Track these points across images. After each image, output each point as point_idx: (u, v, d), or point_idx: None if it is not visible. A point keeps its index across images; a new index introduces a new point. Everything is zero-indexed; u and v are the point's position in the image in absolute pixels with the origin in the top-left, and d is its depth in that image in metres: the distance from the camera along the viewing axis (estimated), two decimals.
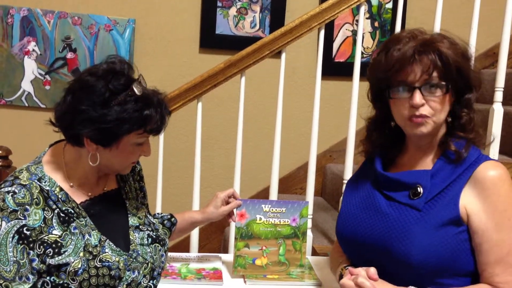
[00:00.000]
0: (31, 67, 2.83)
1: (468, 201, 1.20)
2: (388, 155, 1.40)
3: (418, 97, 1.24)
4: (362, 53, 2.99)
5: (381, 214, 1.29)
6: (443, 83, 1.24)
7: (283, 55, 2.11)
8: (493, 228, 1.17)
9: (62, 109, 1.22)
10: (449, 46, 1.24)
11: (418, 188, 1.25)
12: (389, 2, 3.08)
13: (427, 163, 1.30)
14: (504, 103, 2.16)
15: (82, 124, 1.18)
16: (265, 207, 1.63)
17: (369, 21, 3.08)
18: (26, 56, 2.82)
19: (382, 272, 1.22)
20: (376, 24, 3.09)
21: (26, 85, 2.84)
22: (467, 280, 1.23)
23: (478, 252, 1.19)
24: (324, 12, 2.08)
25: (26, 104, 2.85)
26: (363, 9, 2.13)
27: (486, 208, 1.18)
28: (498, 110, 2.12)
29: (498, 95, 2.14)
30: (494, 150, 2.12)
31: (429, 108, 1.25)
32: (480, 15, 2.12)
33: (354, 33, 3.06)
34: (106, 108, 1.17)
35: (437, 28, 2.07)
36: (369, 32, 3.09)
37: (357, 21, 3.05)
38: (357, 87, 2.14)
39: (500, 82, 2.13)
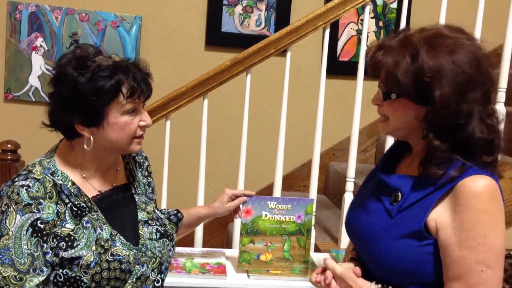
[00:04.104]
0: (38, 63, 2.86)
1: (441, 214, 1.15)
2: (400, 155, 1.38)
3: (374, 96, 1.24)
4: (367, 53, 3.01)
5: (365, 214, 1.30)
6: (385, 89, 1.20)
7: (288, 54, 2.13)
8: (456, 244, 1.12)
9: (49, 110, 1.27)
10: (400, 53, 1.15)
11: (398, 194, 1.22)
12: (394, 2, 3.10)
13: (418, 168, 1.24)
14: (506, 103, 2.18)
15: (67, 113, 1.22)
16: (270, 203, 1.65)
17: (373, 20, 3.09)
18: (33, 52, 2.85)
19: (365, 267, 1.26)
20: (381, 23, 3.11)
21: (34, 80, 2.87)
22: None
23: (443, 266, 1.16)
24: (329, 12, 2.10)
25: (33, 99, 2.88)
26: (368, 8, 2.15)
27: (454, 224, 1.13)
28: (501, 111, 2.14)
29: (501, 96, 2.15)
30: None
31: (384, 110, 1.23)
32: (484, 16, 2.14)
33: (359, 32, 3.08)
34: (80, 87, 1.20)
35: None
36: (374, 31, 3.11)
37: (361, 20, 3.07)
38: (361, 86, 2.16)
39: (503, 82, 2.14)
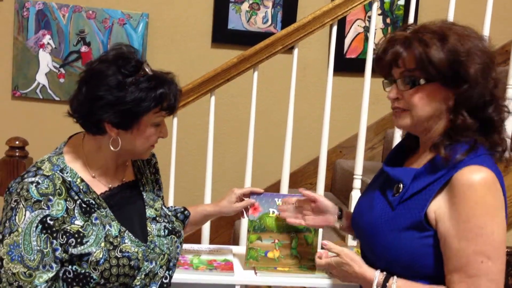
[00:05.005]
0: (45, 60, 2.86)
1: (440, 206, 1.17)
2: (407, 154, 1.39)
3: (392, 91, 1.25)
4: (374, 50, 3.00)
5: (369, 208, 1.32)
6: (410, 76, 1.21)
7: (296, 51, 2.13)
8: (454, 236, 1.13)
9: (79, 99, 1.25)
10: (424, 40, 1.18)
11: (400, 185, 1.24)
12: None
13: (423, 162, 1.26)
14: None
15: (101, 110, 1.21)
16: (278, 201, 1.65)
17: (381, 17, 3.08)
18: (41, 49, 2.85)
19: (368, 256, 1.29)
20: (388, 20, 3.10)
21: (41, 78, 2.88)
22: (425, 283, 1.21)
23: (443, 258, 1.17)
24: (337, 8, 2.10)
25: (41, 97, 2.89)
26: (376, 5, 2.15)
27: (452, 216, 1.14)
28: (509, 107, 2.12)
29: (511, 92, 2.14)
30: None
31: (404, 102, 1.23)
32: (493, 13, 2.12)
33: (366, 29, 3.07)
34: (122, 90, 1.21)
35: None
36: (381, 28, 3.09)
37: (369, 17, 3.06)
38: (368, 83, 2.15)
39: None
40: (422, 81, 1.20)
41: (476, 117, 1.20)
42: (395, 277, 1.20)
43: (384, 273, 1.22)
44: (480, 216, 1.12)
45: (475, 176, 1.13)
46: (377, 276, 1.22)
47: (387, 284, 1.20)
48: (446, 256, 1.15)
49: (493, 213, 1.13)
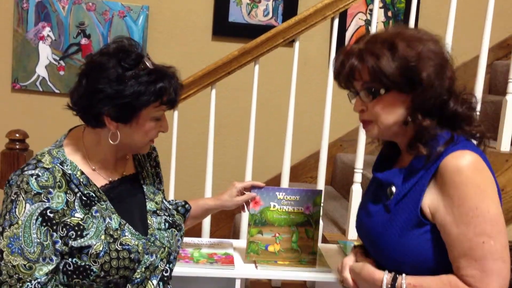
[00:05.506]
0: (45, 53, 2.85)
1: (432, 198, 1.18)
2: (392, 160, 1.40)
3: (357, 103, 1.27)
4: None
5: (368, 216, 1.33)
6: (370, 87, 1.21)
7: (297, 44, 2.12)
8: (452, 223, 1.14)
9: (79, 92, 1.25)
10: (375, 52, 1.19)
11: (392, 188, 1.25)
12: None
13: (407, 162, 1.27)
14: None
15: (101, 103, 1.21)
16: (279, 194, 1.65)
17: (382, 10, 3.07)
18: (40, 42, 2.84)
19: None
20: (390, 14, 3.08)
21: (41, 70, 2.87)
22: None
23: (447, 247, 1.17)
24: (338, 1, 2.08)
25: (41, 89, 2.88)
26: None
27: (445, 203, 1.15)
28: (511, 101, 2.12)
29: (511, 87, 2.13)
30: (506, 142, 2.13)
31: (369, 113, 1.25)
32: (494, 7, 2.11)
33: (367, 22, 3.05)
34: (122, 83, 1.20)
35: (451, 19, 2.07)
36: (382, 21, 3.08)
37: (370, 10, 3.04)
38: None
39: None
40: (382, 91, 1.21)
41: (438, 115, 1.21)
42: (403, 275, 1.21)
43: (392, 273, 1.23)
44: (472, 198, 1.13)
45: (461, 160, 1.15)
46: (385, 277, 1.23)
47: (396, 283, 1.20)
48: (449, 244, 1.16)
49: (484, 191, 1.14)
